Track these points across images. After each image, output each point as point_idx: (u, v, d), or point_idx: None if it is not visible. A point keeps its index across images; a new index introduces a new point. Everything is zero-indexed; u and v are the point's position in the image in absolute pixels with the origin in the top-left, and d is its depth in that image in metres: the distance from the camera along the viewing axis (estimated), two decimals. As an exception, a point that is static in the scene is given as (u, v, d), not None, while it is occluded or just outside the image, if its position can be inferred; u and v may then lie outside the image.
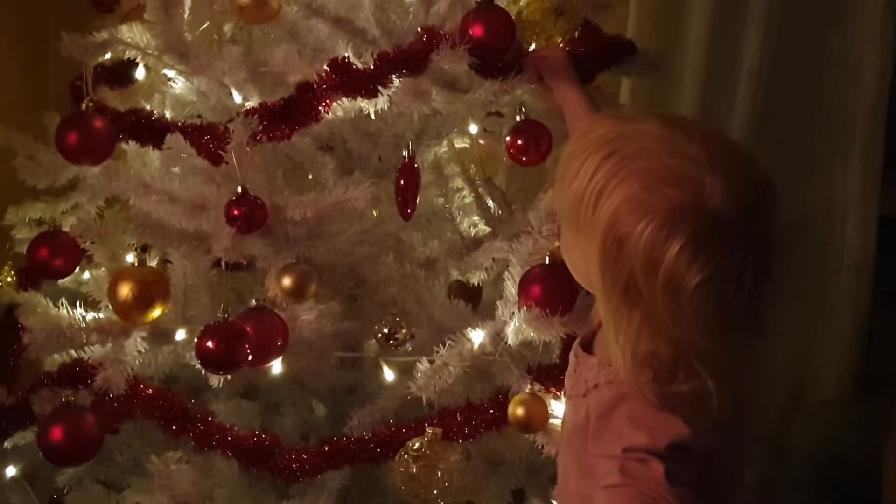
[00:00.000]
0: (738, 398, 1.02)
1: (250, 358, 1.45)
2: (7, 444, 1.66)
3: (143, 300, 1.48)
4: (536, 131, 1.55)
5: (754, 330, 1.03)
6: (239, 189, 1.45)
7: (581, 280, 1.13)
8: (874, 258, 2.28)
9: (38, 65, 2.08)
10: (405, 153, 1.52)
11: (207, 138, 1.49)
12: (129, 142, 1.57)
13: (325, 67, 1.46)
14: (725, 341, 0.98)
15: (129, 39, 1.58)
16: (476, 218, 1.88)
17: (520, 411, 1.45)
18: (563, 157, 1.06)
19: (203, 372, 1.48)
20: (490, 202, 1.83)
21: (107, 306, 1.55)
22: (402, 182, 1.50)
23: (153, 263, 1.59)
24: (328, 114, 1.48)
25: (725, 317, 0.97)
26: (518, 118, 1.56)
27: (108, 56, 1.66)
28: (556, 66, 1.52)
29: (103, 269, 1.62)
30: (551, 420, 1.44)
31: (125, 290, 1.47)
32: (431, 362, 1.48)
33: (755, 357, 1.07)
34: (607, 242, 0.99)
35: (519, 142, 1.55)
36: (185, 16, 1.61)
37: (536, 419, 1.44)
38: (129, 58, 1.62)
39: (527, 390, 1.47)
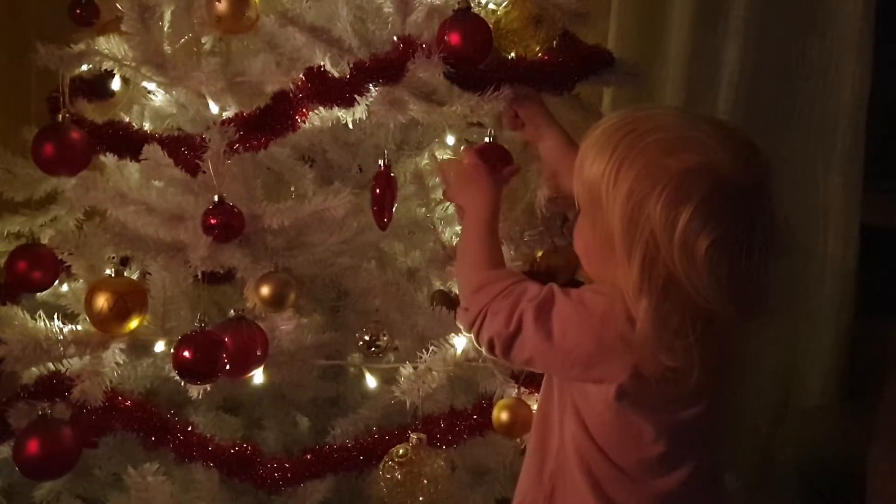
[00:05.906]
0: (720, 376, 1.12)
1: (228, 368, 1.43)
2: (-17, 459, 1.65)
3: (120, 311, 1.47)
4: (499, 155, 1.51)
5: (761, 304, 1.08)
6: (216, 198, 1.45)
7: (593, 265, 1.17)
8: (856, 267, 2.28)
9: (20, 80, 2.08)
10: (381, 162, 1.51)
11: (184, 148, 1.48)
12: (107, 153, 1.56)
13: (301, 76, 1.46)
14: (737, 305, 1.04)
15: (105, 51, 1.58)
16: (458, 228, 1.87)
17: (504, 416, 1.45)
18: (580, 154, 1.12)
19: (183, 384, 1.47)
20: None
21: (85, 318, 1.54)
22: (377, 191, 1.49)
23: (134, 276, 1.58)
24: (305, 123, 1.47)
25: (738, 281, 1.02)
26: (487, 139, 1.53)
27: (86, 68, 1.65)
28: (530, 102, 1.49)
29: (82, 281, 1.61)
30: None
31: (101, 301, 1.47)
32: (415, 368, 1.47)
33: (746, 342, 1.15)
34: (628, 208, 1.04)
35: None
36: (165, 28, 1.61)
37: (520, 423, 1.44)
38: (106, 69, 1.62)
39: (513, 394, 1.46)
